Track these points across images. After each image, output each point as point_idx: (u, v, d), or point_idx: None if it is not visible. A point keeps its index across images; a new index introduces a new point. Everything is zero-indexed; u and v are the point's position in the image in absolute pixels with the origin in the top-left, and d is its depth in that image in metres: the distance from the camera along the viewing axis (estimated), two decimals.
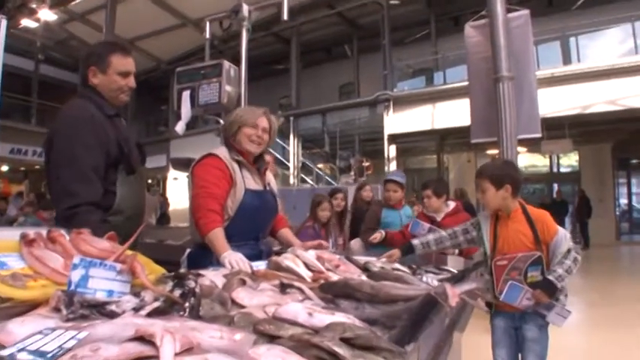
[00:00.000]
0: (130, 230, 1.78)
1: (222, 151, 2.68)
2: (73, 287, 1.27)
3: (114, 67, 2.38)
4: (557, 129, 12.62)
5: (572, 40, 14.13)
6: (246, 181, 2.67)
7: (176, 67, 5.03)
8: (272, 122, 2.82)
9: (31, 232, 1.54)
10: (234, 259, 2.14)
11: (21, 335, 0.98)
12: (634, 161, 17.67)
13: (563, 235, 2.77)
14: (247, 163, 2.71)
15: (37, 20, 15.30)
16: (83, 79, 2.43)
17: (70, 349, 0.88)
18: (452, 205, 4.41)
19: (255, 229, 2.74)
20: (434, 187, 4.29)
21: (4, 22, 2.87)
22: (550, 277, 2.63)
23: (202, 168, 2.62)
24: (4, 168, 20.10)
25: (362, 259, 2.40)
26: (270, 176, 2.96)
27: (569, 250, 2.71)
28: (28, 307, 1.22)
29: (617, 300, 7.57)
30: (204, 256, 2.43)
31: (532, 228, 2.77)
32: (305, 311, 1.27)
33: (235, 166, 2.64)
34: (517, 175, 2.90)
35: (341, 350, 0.99)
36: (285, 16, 5.54)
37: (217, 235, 2.37)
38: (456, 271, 2.47)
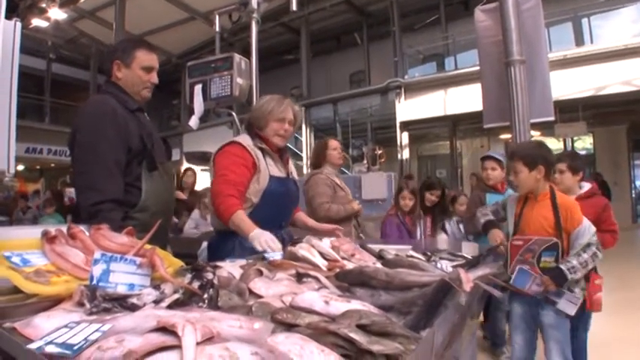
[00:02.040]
0: (159, 227, 1.76)
1: (245, 139, 2.69)
2: (95, 282, 1.30)
3: (138, 62, 2.43)
4: (571, 112, 12.50)
5: (585, 21, 13.92)
6: (270, 168, 2.69)
7: (187, 61, 5.05)
8: (296, 113, 2.84)
9: (52, 229, 1.58)
10: (263, 239, 2.18)
11: (47, 329, 1.01)
12: None
13: (586, 227, 2.72)
14: (271, 150, 2.73)
15: (48, 19, 15.38)
16: (107, 74, 2.49)
17: (95, 341, 0.91)
18: (587, 186, 3.63)
19: (279, 216, 2.78)
20: (570, 161, 3.54)
21: (19, 25, 2.91)
22: (562, 267, 2.62)
23: (223, 155, 2.64)
24: (20, 167, 20.31)
25: (376, 247, 2.41)
26: (292, 165, 2.96)
27: (589, 244, 2.68)
28: (53, 302, 1.25)
29: (635, 284, 7.50)
30: (225, 243, 2.49)
31: (555, 214, 2.74)
32: (321, 299, 1.29)
33: (259, 153, 2.66)
34: (550, 157, 2.86)
35: (357, 337, 1.01)
36: (294, 7, 5.54)
37: (241, 217, 2.37)
38: (470, 257, 2.48)
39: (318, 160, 4.49)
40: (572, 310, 2.69)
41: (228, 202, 2.43)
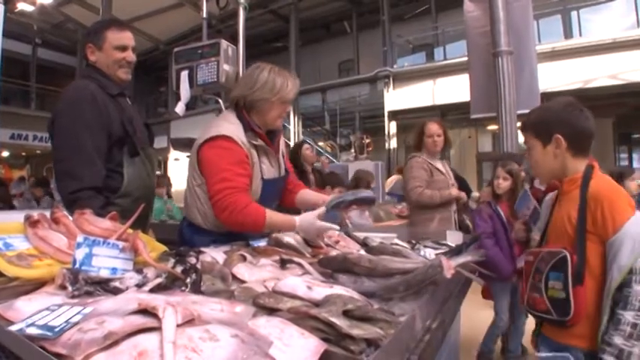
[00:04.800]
0: (140, 212, 1.72)
1: (236, 131, 2.19)
2: (77, 265, 1.30)
3: (109, 42, 2.39)
4: None
5: (574, 13, 13.98)
6: (264, 169, 2.30)
7: (174, 48, 5.02)
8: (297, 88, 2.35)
9: (35, 213, 1.57)
10: (314, 229, 1.99)
11: (29, 312, 1.01)
12: (635, 136, 17.50)
13: (634, 232, 1.64)
14: (267, 145, 2.30)
15: (33, 3, 15.17)
16: (85, 59, 2.46)
17: (76, 323, 0.91)
18: None
19: None
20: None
21: (2, 8, 2.87)
22: (607, 358, 1.60)
23: (214, 152, 2.16)
24: (5, 154, 20.10)
25: (361, 234, 2.43)
26: (282, 145, 2.53)
27: (637, 273, 1.60)
28: (35, 286, 1.25)
29: None
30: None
31: (581, 209, 1.75)
32: (304, 285, 1.30)
33: (253, 152, 2.23)
34: (576, 120, 1.86)
35: (338, 321, 1.02)
36: None
37: (273, 218, 2.07)
38: (454, 246, 2.50)
39: (416, 143, 4.33)
40: None
41: (251, 213, 2.06)
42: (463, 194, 4.23)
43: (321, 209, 1.99)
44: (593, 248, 1.71)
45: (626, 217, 1.65)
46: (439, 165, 4.24)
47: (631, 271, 1.60)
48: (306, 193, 2.58)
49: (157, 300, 1.00)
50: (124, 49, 2.42)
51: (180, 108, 4.39)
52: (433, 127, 4.26)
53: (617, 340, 1.57)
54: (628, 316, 1.57)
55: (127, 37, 2.45)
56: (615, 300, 1.63)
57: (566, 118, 1.86)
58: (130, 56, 2.46)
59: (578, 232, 1.74)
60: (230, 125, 2.21)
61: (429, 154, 4.25)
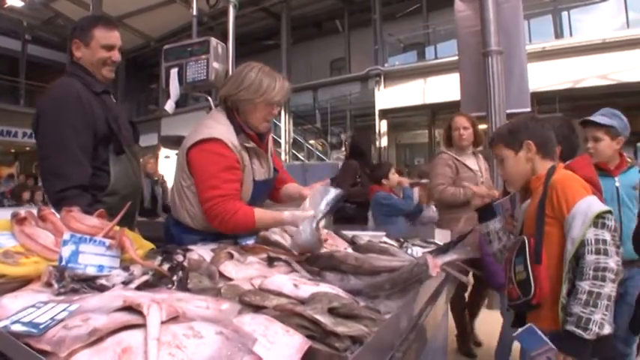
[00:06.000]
0: (127, 210, 1.73)
1: (227, 133, 2.16)
2: (63, 263, 1.30)
3: (97, 40, 2.37)
4: (548, 103, 12.62)
5: (565, 14, 14.04)
6: (255, 171, 2.27)
7: (165, 45, 4.99)
8: (288, 91, 2.30)
9: (22, 211, 1.57)
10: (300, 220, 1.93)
11: (15, 309, 1.01)
12: None
13: (584, 208, 1.80)
14: (257, 147, 2.27)
15: None
16: (70, 55, 2.44)
17: (61, 320, 0.92)
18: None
19: None
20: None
21: None
22: (568, 328, 1.71)
23: (204, 156, 2.14)
24: None
25: (350, 233, 2.44)
26: (270, 145, 2.48)
27: (589, 244, 1.75)
28: (21, 283, 1.25)
29: None
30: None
31: (541, 198, 1.92)
32: (290, 282, 1.31)
33: (245, 155, 2.21)
34: (541, 129, 2.09)
35: (323, 319, 1.03)
36: None
37: (262, 217, 2.08)
38: (442, 244, 2.51)
39: (445, 138, 4.20)
40: None
41: (240, 218, 2.07)
42: (491, 192, 3.85)
43: (310, 212, 1.94)
44: (554, 233, 1.88)
45: (578, 196, 1.83)
46: (470, 161, 4.03)
47: (584, 244, 1.76)
48: (292, 187, 2.55)
49: (142, 297, 1.01)
50: (110, 48, 2.41)
51: (169, 106, 4.36)
52: (460, 120, 4.08)
53: (576, 309, 1.71)
54: (584, 285, 1.72)
55: (114, 37, 2.43)
56: (576, 275, 1.79)
57: (533, 127, 2.10)
58: (116, 55, 2.44)
59: (537, 216, 1.90)
60: (221, 127, 2.18)
61: (457, 150, 4.07)
